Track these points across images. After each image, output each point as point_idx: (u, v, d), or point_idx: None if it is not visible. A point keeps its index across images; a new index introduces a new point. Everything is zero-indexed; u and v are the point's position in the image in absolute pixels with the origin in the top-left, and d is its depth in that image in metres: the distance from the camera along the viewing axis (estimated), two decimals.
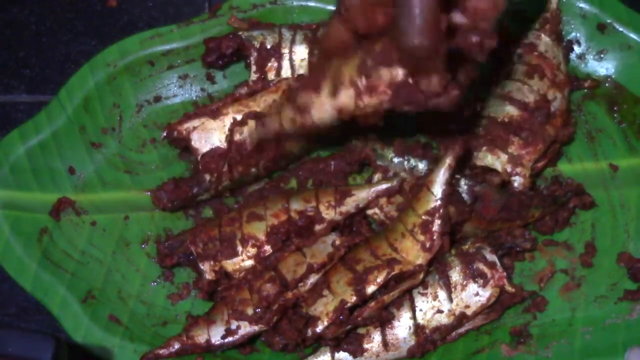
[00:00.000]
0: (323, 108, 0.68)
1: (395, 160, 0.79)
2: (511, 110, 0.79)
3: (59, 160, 0.81)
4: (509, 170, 0.77)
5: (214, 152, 0.78)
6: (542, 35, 0.81)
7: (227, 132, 0.78)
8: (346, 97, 0.66)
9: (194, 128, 0.78)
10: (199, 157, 0.78)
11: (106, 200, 0.81)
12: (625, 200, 0.81)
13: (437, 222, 0.74)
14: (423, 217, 0.74)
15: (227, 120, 0.78)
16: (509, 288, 0.75)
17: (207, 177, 0.78)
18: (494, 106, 0.80)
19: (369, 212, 0.78)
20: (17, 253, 0.78)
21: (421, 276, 0.74)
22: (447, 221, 0.74)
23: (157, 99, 0.83)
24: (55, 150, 0.81)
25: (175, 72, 0.83)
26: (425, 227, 0.74)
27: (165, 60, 0.83)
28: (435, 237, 0.73)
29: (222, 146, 0.78)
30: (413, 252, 0.74)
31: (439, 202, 0.74)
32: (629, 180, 0.81)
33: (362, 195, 0.77)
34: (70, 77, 0.82)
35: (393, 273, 0.72)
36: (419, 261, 0.73)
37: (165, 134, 0.79)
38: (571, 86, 0.81)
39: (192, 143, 0.78)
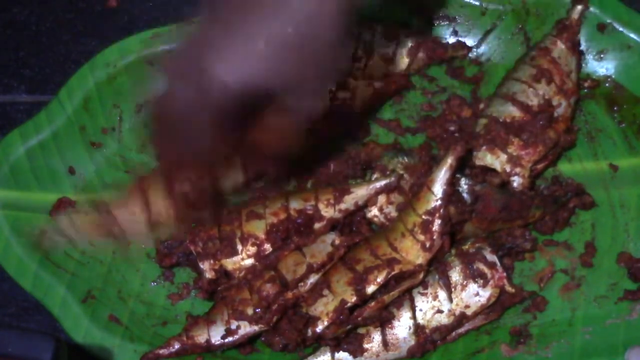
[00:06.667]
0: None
1: (396, 159, 0.79)
2: (513, 111, 0.79)
3: (59, 160, 0.81)
4: (508, 170, 0.77)
5: None
6: (558, 42, 0.81)
7: None
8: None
9: None
10: None
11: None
12: (625, 200, 0.80)
13: (437, 222, 0.74)
14: (423, 216, 0.74)
15: None
16: (509, 288, 0.75)
17: None
18: (496, 106, 0.80)
19: (369, 215, 0.78)
20: (17, 253, 0.78)
21: (421, 276, 0.74)
22: (447, 221, 0.74)
23: None
24: (55, 150, 0.81)
25: None
26: (426, 226, 0.74)
27: None
28: (435, 237, 0.73)
29: None
30: (413, 252, 0.74)
31: (439, 202, 0.74)
32: (629, 180, 0.81)
33: (360, 192, 0.77)
34: (70, 77, 0.82)
35: (393, 273, 0.72)
36: (419, 261, 0.73)
37: None
38: (578, 95, 0.81)
39: None
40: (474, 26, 0.84)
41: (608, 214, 0.80)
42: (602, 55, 0.83)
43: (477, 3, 0.83)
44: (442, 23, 0.84)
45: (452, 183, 0.74)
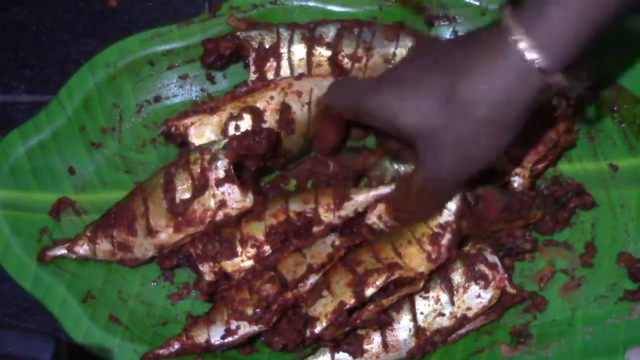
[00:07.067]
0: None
1: (391, 167, 0.79)
2: None
3: (59, 160, 0.81)
4: (508, 170, 0.77)
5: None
6: None
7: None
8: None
9: (192, 124, 0.79)
10: None
11: (106, 200, 0.81)
12: (625, 200, 0.80)
13: (448, 236, 0.73)
14: (435, 229, 0.73)
15: (224, 116, 0.78)
16: (510, 289, 0.75)
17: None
18: None
19: (369, 221, 0.77)
20: (17, 253, 0.78)
21: (421, 284, 0.73)
22: (458, 235, 0.74)
23: (157, 99, 0.83)
24: (55, 150, 0.81)
25: (175, 72, 0.83)
26: (435, 239, 0.73)
27: (165, 60, 0.83)
28: (442, 250, 0.73)
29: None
30: (417, 260, 0.73)
31: (452, 217, 0.73)
32: (629, 180, 0.81)
33: (360, 199, 0.77)
34: (70, 77, 0.81)
35: (393, 277, 0.72)
36: (421, 269, 0.73)
37: (163, 129, 0.79)
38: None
39: (189, 138, 0.78)
40: (474, 26, 0.84)
41: (608, 214, 0.80)
42: (602, 56, 0.82)
43: (477, 3, 0.83)
44: (442, 23, 0.84)
45: (466, 198, 0.74)
